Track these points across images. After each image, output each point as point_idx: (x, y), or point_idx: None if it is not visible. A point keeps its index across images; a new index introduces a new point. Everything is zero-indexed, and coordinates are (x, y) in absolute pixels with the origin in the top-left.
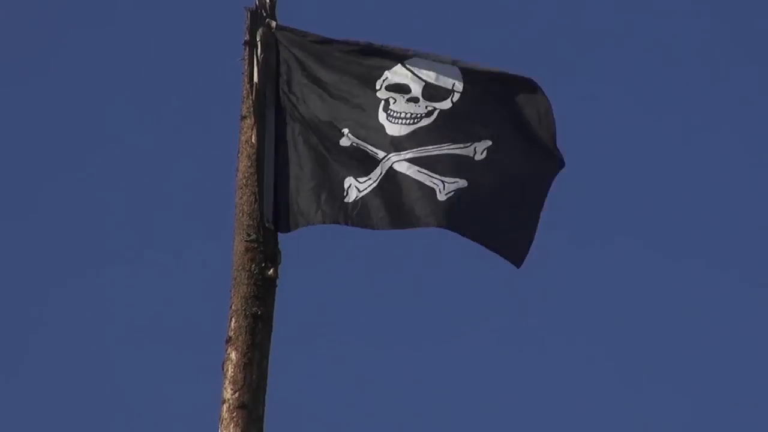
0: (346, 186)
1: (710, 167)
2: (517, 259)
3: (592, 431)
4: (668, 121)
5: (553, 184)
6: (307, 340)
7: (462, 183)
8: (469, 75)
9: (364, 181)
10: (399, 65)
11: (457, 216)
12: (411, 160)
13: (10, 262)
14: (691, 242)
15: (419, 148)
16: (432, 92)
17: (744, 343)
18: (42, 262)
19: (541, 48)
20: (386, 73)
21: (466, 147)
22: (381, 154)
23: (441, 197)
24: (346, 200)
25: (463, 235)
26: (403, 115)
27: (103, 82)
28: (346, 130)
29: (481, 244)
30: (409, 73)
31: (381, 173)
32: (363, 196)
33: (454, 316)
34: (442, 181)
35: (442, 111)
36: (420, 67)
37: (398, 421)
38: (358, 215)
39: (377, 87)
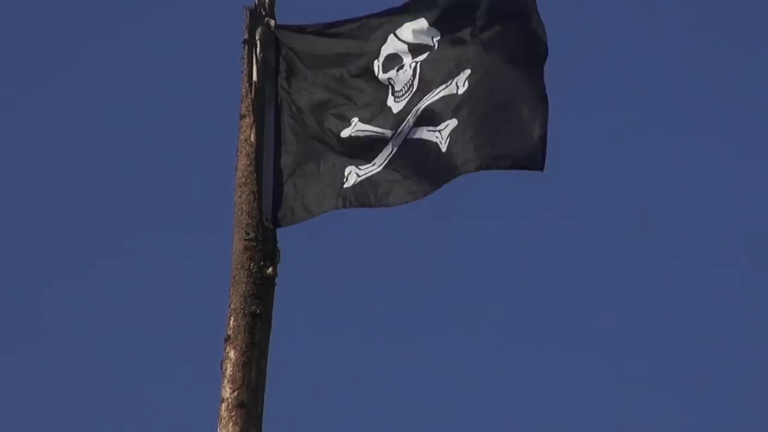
0: (346, 173)
1: (710, 166)
2: (537, 164)
3: (592, 430)
4: (668, 118)
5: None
6: (306, 338)
7: (453, 122)
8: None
9: (366, 167)
10: (391, 36)
11: (460, 160)
12: (416, 123)
13: (9, 259)
14: (692, 241)
15: (415, 110)
16: (414, 49)
17: (744, 342)
18: (40, 261)
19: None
20: (381, 50)
21: (449, 85)
22: (389, 132)
23: (444, 147)
24: (345, 186)
25: (476, 170)
26: (403, 90)
27: (102, 80)
28: (355, 119)
29: (496, 168)
30: (395, 39)
31: (391, 152)
32: (362, 180)
33: (455, 315)
34: (439, 131)
35: (422, 62)
36: (401, 30)
37: (398, 420)
38: (356, 196)
39: (377, 72)
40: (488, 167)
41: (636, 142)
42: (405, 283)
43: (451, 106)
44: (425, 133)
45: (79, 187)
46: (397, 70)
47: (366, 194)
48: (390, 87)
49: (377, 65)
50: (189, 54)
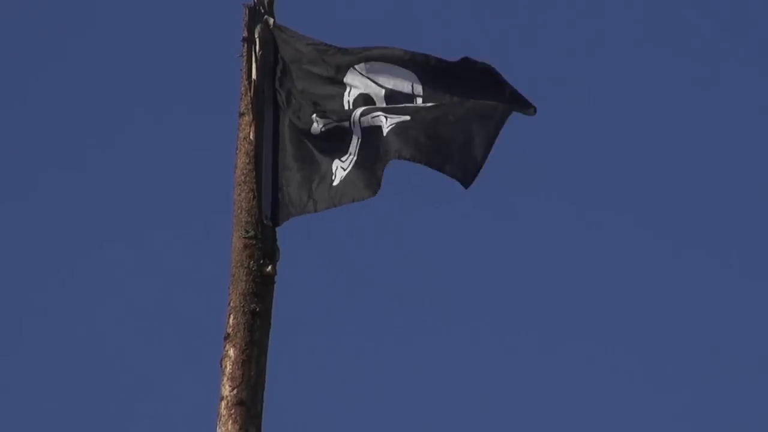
0: (333, 169)
1: (713, 165)
2: (468, 180)
3: (590, 430)
4: (667, 115)
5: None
6: (306, 336)
7: (405, 118)
8: (424, 72)
9: (346, 159)
10: (358, 75)
11: (400, 144)
12: (365, 112)
13: (8, 258)
14: (697, 237)
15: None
16: (394, 97)
17: (743, 342)
18: (40, 259)
19: (541, 45)
20: (348, 84)
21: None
22: (346, 123)
23: (385, 131)
24: (334, 184)
25: (408, 159)
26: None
27: (101, 78)
28: (314, 116)
29: (426, 165)
30: (369, 82)
31: (359, 140)
32: (344, 176)
33: (454, 312)
34: (385, 116)
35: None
36: (377, 73)
37: (397, 418)
38: (338, 195)
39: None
40: (420, 161)
41: (635, 135)
42: (405, 280)
43: (408, 108)
44: (374, 120)
45: (78, 185)
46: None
47: (346, 193)
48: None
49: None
50: (188, 52)
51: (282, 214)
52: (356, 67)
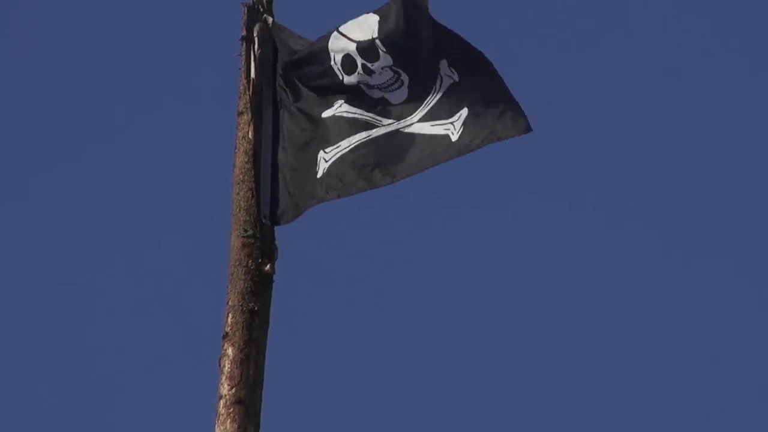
0: (318, 160)
1: (707, 165)
2: (527, 128)
3: (590, 429)
4: (665, 117)
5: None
6: (304, 335)
7: (464, 111)
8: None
9: (330, 150)
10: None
11: (464, 142)
12: (421, 119)
13: (8, 258)
14: (695, 240)
15: (416, 113)
16: (364, 50)
17: (743, 341)
18: (39, 260)
19: (541, 43)
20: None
21: (442, 79)
22: (386, 120)
23: (455, 137)
24: (318, 176)
25: (475, 149)
26: (389, 83)
27: (99, 76)
28: (340, 101)
29: (496, 141)
30: (343, 38)
31: (365, 138)
32: (329, 165)
33: (455, 310)
34: (452, 123)
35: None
36: (349, 30)
37: (395, 416)
38: (327, 188)
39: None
40: (486, 144)
41: (636, 136)
42: (404, 279)
43: (456, 95)
44: (433, 128)
45: (76, 184)
46: (370, 67)
47: (335, 183)
48: (364, 83)
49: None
50: (187, 51)
51: (283, 214)
52: (335, 31)
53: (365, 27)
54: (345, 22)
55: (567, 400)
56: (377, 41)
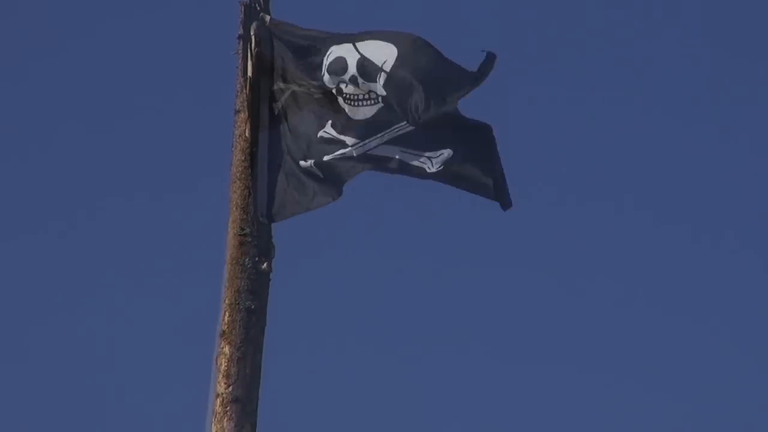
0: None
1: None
2: (506, 203)
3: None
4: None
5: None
6: (301, 333)
7: (447, 153)
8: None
9: (309, 160)
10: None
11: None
12: (388, 142)
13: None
14: (695, 237)
15: (387, 131)
16: (365, 68)
17: (744, 340)
18: (38, 257)
19: (542, 41)
20: (332, 54)
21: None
22: (350, 140)
23: (431, 171)
24: (320, 176)
25: (457, 187)
26: (356, 97)
27: (97, 75)
28: (328, 123)
29: (476, 194)
30: (351, 47)
31: (344, 153)
32: (326, 166)
33: (452, 311)
34: (429, 158)
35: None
36: (362, 43)
37: (392, 414)
38: (329, 190)
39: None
40: (468, 190)
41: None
42: (400, 279)
43: (444, 133)
44: (405, 155)
45: (76, 183)
46: (349, 81)
47: (334, 184)
48: (338, 90)
49: (325, 64)
50: (184, 49)
51: (279, 212)
52: (351, 43)
53: (380, 52)
54: (360, 32)
55: (564, 400)
56: (383, 73)
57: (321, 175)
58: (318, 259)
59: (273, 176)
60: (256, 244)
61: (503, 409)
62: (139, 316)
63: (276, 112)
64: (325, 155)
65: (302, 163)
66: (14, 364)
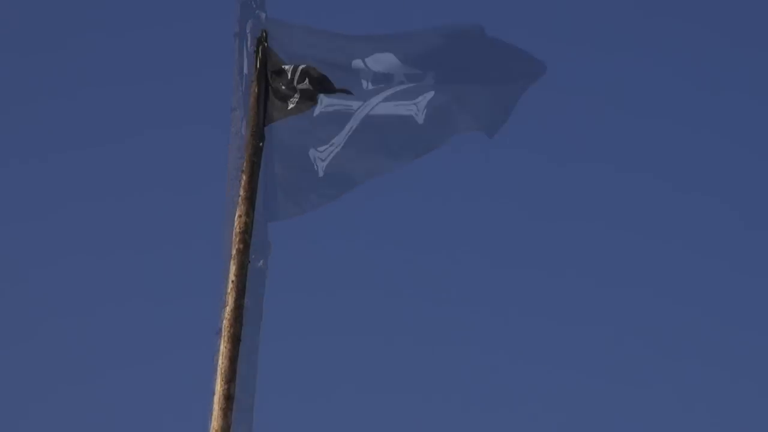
0: (312, 160)
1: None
2: (492, 131)
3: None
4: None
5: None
6: (297, 332)
7: (429, 94)
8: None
9: (324, 150)
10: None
11: (435, 132)
12: (386, 99)
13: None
14: (695, 235)
15: (389, 90)
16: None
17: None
18: (38, 257)
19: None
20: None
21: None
22: (356, 104)
23: (420, 119)
24: (320, 175)
25: (447, 141)
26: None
27: (95, 74)
28: (321, 96)
29: (462, 133)
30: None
31: (351, 128)
32: (327, 164)
33: (451, 310)
34: (415, 104)
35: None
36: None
37: (389, 413)
38: (330, 188)
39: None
40: (456, 134)
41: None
42: (398, 276)
43: (424, 86)
44: (396, 108)
45: (76, 184)
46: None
47: (337, 182)
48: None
49: (358, 65)
50: (181, 47)
51: (278, 211)
52: (364, 57)
53: (386, 65)
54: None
55: (564, 400)
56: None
57: (321, 175)
58: (314, 257)
59: (270, 175)
60: (253, 242)
61: (509, 417)
62: (137, 315)
63: (275, 112)
64: (328, 137)
65: (302, 160)
66: (15, 364)
